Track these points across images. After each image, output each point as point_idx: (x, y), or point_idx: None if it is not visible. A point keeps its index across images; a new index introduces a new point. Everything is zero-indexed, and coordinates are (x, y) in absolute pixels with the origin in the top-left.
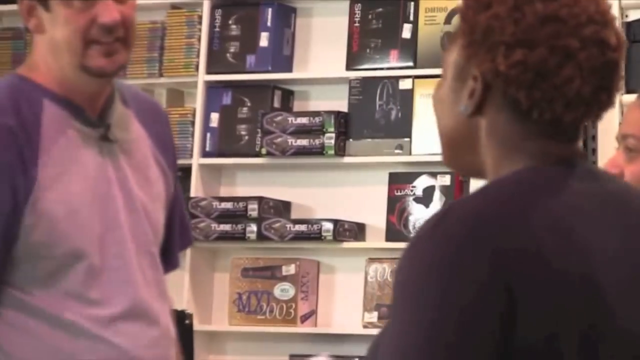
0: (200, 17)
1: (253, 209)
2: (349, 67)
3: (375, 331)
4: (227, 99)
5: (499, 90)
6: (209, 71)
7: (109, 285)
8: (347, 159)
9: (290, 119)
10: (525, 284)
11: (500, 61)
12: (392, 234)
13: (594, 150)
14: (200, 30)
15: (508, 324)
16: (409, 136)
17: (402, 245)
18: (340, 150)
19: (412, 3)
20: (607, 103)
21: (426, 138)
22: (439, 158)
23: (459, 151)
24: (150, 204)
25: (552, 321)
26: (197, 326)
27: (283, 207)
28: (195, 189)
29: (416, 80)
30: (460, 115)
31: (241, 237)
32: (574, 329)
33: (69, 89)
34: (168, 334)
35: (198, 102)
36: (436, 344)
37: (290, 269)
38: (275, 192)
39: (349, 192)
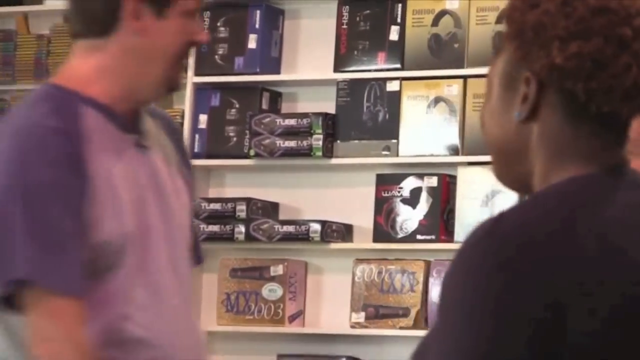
0: None
1: (241, 210)
2: (336, 69)
3: (362, 331)
4: (215, 101)
5: (554, 87)
6: (197, 73)
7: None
8: (334, 161)
9: (278, 120)
10: (572, 294)
11: (555, 54)
12: (380, 234)
13: None
14: None
15: (555, 333)
16: (396, 138)
17: (390, 245)
18: (328, 152)
19: (400, 5)
20: None
21: (413, 140)
22: (426, 159)
23: (510, 163)
24: (180, 212)
25: (599, 329)
26: None
27: (271, 208)
28: None
29: (403, 82)
30: (511, 124)
31: (229, 238)
32: (623, 342)
33: (121, 97)
34: (199, 338)
35: (187, 104)
36: (483, 351)
37: (278, 270)
38: (264, 193)
39: (336, 193)
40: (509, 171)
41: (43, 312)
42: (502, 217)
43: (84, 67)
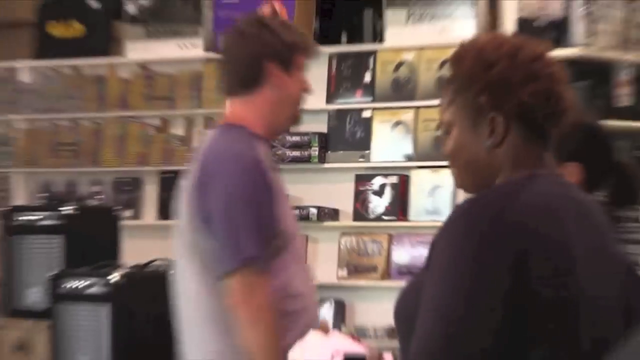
0: None
1: None
2: (328, 101)
3: (345, 282)
4: None
5: (520, 119)
6: None
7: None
8: (326, 165)
9: (287, 137)
10: (528, 258)
11: (522, 95)
12: (358, 216)
13: None
14: None
15: (518, 282)
16: (369, 149)
17: (364, 223)
18: (322, 159)
19: (372, 58)
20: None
21: (381, 150)
22: (389, 164)
23: (479, 177)
24: None
25: (546, 284)
26: None
27: None
28: None
29: (374, 111)
30: (481, 151)
31: None
32: (558, 292)
33: (270, 131)
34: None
35: None
36: (464, 297)
37: None
38: None
39: (327, 187)
40: (475, 181)
41: (250, 282)
42: (477, 199)
43: (244, 112)
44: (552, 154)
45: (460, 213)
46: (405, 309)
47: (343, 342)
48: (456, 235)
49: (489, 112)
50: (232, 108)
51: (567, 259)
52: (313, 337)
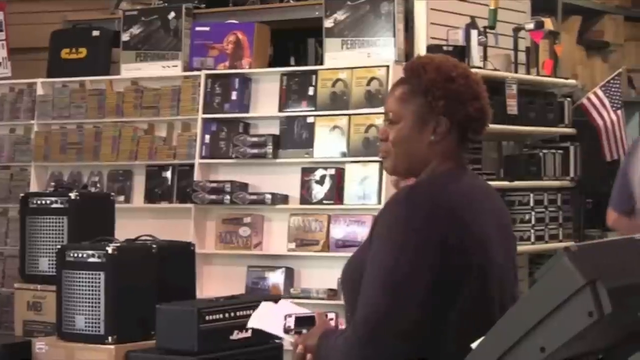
0: (199, 83)
1: (228, 187)
2: (280, 110)
3: (293, 253)
4: (214, 127)
5: (459, 126)
6: (204, 112)
7: None
8: (278, 160)
9: (248, 138)
10: (452, 234)
11: (470, 109)
12: (303, 200)
13: None
14: (200, 89)
15: (444, 255)
16: (312, 147)
17: (309, 206)
18: (275, 155)
19: (314, 76)
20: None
21: (321, 149)
22: (328, 159)
23: (414, 164)
24: None
25: (468, 254)
26: (198, 250)
27: (244, 186)
28: (197, 176)
29: (316, 118)
30: (422, 144)
31: (221, 202)
32: (477, 264)
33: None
34: None
35: (198, 129)
36: (401, 266)
37: (248, 219)
38: (240, 177)
39: (279, 178)
40: (409, 168)
41: None
42: (414, 188)
43: None
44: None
45: (402, 196)
46: (350, 278)
47: (292, 308)
48: (398, 214)
49: (439, 115)
50: None
51: (481, 235)
52: (265, 306)
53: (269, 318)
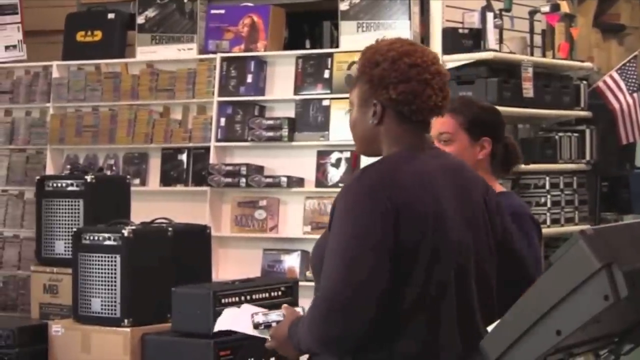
0: (215, 66)
1: (244, 170)
2: (295, 93)
3: (309, 236)
4: (229, 110)
5: (392, 108)
6: (220, 95)
7: None
8: (294, 143)
9: (264, 121)
10: (404, 211)
11: (391, 92)
12: (319, 183)
13: None
14: (215, 72)
15: (397, 230)
16: (328, 130)
17: (324, 189)
18: (291, 138)
19: (329, 59)
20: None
21: (337, 132)
22: (343, 142)
23: (368, 146)
24: None
25: (418, 233)
26: (213, 233)
27: (260, 169)
28: (213, 159)
29: (332, 101)
30: (367, 126)
31: (237, 185)
32: (429, 239)
33: None
34: None
35: (214, 112)
36: (357, 241)
37: (264, 202)
38: (256, 160)
39: (295, 161)
40: (367, 150)
41: None
42: (365, 170)
43: None
44: (427, 132)
45: (356, 179)
46: (317, 261)
47: (257, 309)
48: (353, 195)
49: (371, 98)
50: None
51: (435, 211)
52: (229, 311)
53: (236, 319)
